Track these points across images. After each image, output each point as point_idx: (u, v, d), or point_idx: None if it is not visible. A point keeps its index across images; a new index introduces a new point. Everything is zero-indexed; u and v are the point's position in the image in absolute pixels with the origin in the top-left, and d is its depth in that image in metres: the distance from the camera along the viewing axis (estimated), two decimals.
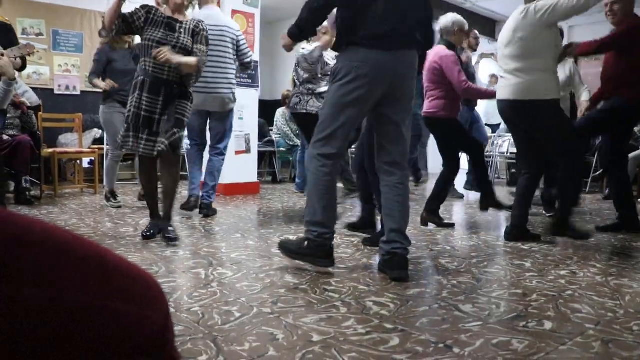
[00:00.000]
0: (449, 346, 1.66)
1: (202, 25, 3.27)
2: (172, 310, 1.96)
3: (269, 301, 2.10)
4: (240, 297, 2.15)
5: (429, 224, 3.97)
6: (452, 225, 4.01)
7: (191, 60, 3.12)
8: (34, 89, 6.84)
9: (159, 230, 3.25)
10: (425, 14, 2.64)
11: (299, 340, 1.70)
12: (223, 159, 4.37)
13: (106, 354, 0.48)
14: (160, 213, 3.33)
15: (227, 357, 1.56)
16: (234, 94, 4.23)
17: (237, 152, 5.54)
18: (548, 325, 1.87)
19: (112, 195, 4.71)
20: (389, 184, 2.58)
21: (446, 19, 4.00)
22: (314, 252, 2.53)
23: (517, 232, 3.39)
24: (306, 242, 2.55)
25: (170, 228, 3.22)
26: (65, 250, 0.49)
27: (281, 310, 1.99)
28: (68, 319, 0.46)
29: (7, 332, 0.44)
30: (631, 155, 5.94)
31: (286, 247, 2.63)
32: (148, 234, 3.27)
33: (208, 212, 4.20)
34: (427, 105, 3.97)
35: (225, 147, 4.38)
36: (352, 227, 3.61)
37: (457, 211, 4.92)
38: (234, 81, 4.28)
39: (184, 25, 3.21)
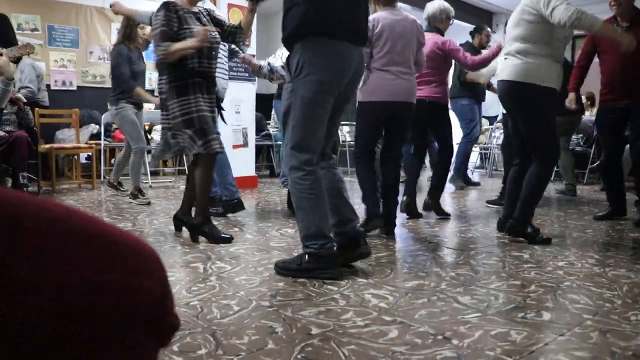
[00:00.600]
0: (447, 338, 1.67)
1: (213, 13, 3.26)
2: None
3: (267, 294, 2.10)
4: (238, 290, 2.16)
5: (430, 212, 4.11)
6: (448, 216, 4.07)
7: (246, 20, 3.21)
8: None
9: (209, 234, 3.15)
10: (368, 10, 2.56)
11: (297, 333, 1.70)
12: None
13: (107, 326, 0.49)
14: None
15: (226, 350, 1.56)
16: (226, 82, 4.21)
17: (235, 146, 5.53)
18: (546, 316, 1.87)
19: (139, 191, 4.64)
20: (324, 167, 2.51)
21: (433, 7, 4.03)
22: (318, 265, 2.32)
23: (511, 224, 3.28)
24: (307, 257, 2.34)
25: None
26: (60, 226, 0.50)
27: (280, 304, 1.99)
28: (67, 295, 0.47)
29: (6, 312, 0.44)
30: (628, 147, 5.96)
31: (285, 267, 2.40)
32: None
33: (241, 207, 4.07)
34: (430, 90, 3.95)
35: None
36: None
37: (453, 203, 4.92)
38: (226, 70, 4.25)
39: (203, 17, 3.15)
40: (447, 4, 4.06)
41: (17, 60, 4.57)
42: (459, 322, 1.80)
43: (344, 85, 2.40)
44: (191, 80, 2.99)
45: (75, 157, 6.14)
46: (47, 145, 5.50)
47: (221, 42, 3.29)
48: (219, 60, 4.01)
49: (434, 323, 1.80)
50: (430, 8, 4.05)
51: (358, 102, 3.41)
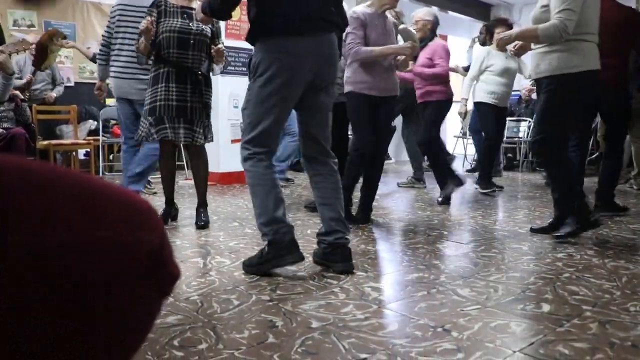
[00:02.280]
0: (447, 330, 1.67)
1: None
2: (171, 299, 1.97)
3: (267, 289, 2.11)
4: (238, 285, 2.16)
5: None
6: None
7: (222, 48, 3.24)
8: None
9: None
10: None
11: (298, 326, 1.70)
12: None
13: (106, 283, 0.50)
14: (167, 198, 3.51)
15: (227, 344, 1.56)
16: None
17: (233, 141, 5.52)
18: (546, 307, 1.88)
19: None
20: (323, 173, 2.46)
21: (422, 13, 4.49)
22: (277, 252, 2.29)
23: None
24: (266, 247, 2.32)
25: (203, 214, 3.40)
26: (51, 188, 0.49)
27: (280, 298, 1.99)
28: (63, 256, 0.47)
29: (4, 277, 0.44)
30: (628, 137, 5.96)
31: (249, 264, 2.37)
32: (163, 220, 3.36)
33: None
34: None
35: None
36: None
37: (453, 196, 4.92)
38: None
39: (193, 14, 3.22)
40: (430, 10, 4.64)
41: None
42: (458, 315, 1.81)
43: (306, 79, 2.33)
44: (164, 69, 3.15)
45: (74, 153, 6.14)
46: (46, 142, 5.49)
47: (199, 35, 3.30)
48: None
49: (434, 315, 1.80)
50: (419, 14, 4.49)
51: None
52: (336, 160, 2.51)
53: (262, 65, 2.28)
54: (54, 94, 5.98)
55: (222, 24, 3.96)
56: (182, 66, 3.15)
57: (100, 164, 6.16)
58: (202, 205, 3.44)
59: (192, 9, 3.20)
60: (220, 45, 3.22)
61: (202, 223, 3.34)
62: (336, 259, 2.36)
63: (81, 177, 0.53)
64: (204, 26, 3.18)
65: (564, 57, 2.81)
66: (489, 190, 4.90)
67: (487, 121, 5.01)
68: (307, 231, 3.21)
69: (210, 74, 3.39)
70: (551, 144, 2.87)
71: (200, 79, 3.21)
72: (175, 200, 3.57)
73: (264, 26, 2.29)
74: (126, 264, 0.51)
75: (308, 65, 2.30)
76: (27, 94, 5.42)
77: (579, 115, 3.03)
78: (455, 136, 8.16)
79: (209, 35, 3.24)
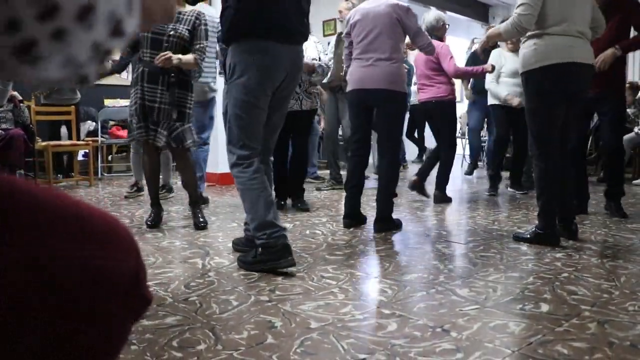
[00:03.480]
0: (446, 330, 1.67)
1: (202, 19, 3.28)
2: (169, 300, 1.97)
3: (266, 289, 2.10)
4: (237, 285, 2.16)
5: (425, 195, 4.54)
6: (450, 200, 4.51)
7: (189, 58, 3.17)
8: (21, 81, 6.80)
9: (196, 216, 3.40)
10: (308, 6, 2.54)
11: (297, 327, 1.70)
12: (207, 149, 4.41)
13: (82, 302, 0.52)
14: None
15: (226, 345, 1.56)
16: (213, 82, 4.24)
17: None
18: (544, 307, 1.88)
19: (139, 188, 4.68)
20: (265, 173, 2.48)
21: (429, 18, 4.48)
22: (270, 256, 2.30)
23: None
24: (259, 249, 2.34)
25: (199, 214, 3.38)
26: (33, 206, 0.52)
27: (279, 298, 1.99)
28: (41, 271, 0.49)
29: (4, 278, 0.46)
30: (626, 137, 5.96)
31: (244, 260, 2.41)
32: (152, 222, 3.37)
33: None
34: (435, 91, 4.39)
35: (208, 137, 4.38)
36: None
37: (452, 194, 4.93)
38: (214, 69, 4.26)
39: (182, 16, 3.23)
40: (441, 13, 4.55)
41: None
42: (457, 315, 1.81)
43: (277, 83, 2.40)
44: (139, 70, 3.19)
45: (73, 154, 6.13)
46: (44, 143, 5.48)
47: (208, 42, 3.35)
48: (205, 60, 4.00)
49: (433, 316, 1.80)
50: (427, 19, 4.47)
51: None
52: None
53: (240, 66, 2.33)
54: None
55: None
56: (154, 66, 3.13)
57: (99, 165, 6.15)
58: (194, 205, 3.41)
59: (177, 13, 3.20)
60: (170, 54, 3.06)
61: (201, 225, 3.32)
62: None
63: (66, 198, 0.56)
64: (180, 27, 3.17)
65: (526, 54, 2.84)
66: (521, 191, 4.98)
67: (498, 123, 5.10)
68: (306, 232, 3.21)
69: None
70: (538, 142, 2.86)
71: (173, 80, 3.17)
72: (173, 200, 3.57)
73: (243, 28, 2.31)
74: (103, 284, 0.53)
75: (282, 69, 2.36)
76: (41, 94, 5.28)
77: (556, 110, 2.85)
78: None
79: (186, 36, 3.20)
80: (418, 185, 4.54)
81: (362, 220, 3.45)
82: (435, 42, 4.35)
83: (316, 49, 4.47)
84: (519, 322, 1.73)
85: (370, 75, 3.23)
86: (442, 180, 4.48)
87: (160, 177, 5.05)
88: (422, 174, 4.57)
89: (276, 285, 2.16)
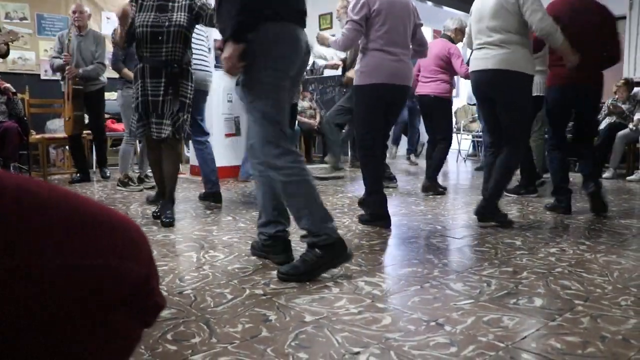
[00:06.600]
0: (440, 324, 1.68)
1: (197, 0, 3.23)
2: (164, 293, 1.96)
3: (261, 283, 2.11)
4: (232, 279, 2.16)
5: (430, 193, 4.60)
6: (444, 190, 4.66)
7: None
8: (19, 74, 6.76)
9: (159, 211, 3.33)
10: None
11: (291, 320, 1.71)
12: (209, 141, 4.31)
13: (90, 309, 0.50)
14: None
15: (220, 338, 1.56)
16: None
17: (227, 135, 5.51)
18: (538, 302, 1.89)
19: (129, 179, 4.68)
20: None
21: (451, 20, 4.91)
22: (335, 252, 2.14)
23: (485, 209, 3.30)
24: (317, 250, 2.13)
25: (168, 212, 3.27)
26: (46, 211, 0.50)
27: (273, 292, 2.00)
28: (51, 281, 0.47)
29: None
30: (619, 133, 5.99)
31: (294, 273, 2.13)
32: (168, 220, 3.23)
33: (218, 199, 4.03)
34: (435, 87, 4.67)
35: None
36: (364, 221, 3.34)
37: (448, 191, 4.94)
38: (206, 60, 4.21)
39: (176, 3, 3.18)
40: (465, 21, 4.56)
41: (6, 52, 4.55)
42: (451, 309, 1.81)
43: (297, 70, 2.27)
44: (140, 66, 3.20)
45: (67, 147, 6.10)
46: (38, 136, 5.45)
47: (195, 33, 3.35)
48: (198, 51, 3.96)
49: (427, 310, 1.81)
50: (448, 20, 4.92)
51: (355, 86, 3.22)
52: None
53: (277, 49, 2.12)
54: (79, 70, 5.16)
55: None
56: (156, 61, 3.12)
57: (94, 158, 6.13)
58: (168, 201, 3.31)
59: (168, 1, 3.16)
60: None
61: (167, 220, 3.20)
62: (277, 251, 2.33)
63: (76, 200, 0.53)
64: (176, 16, 3.14)
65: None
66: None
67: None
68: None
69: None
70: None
71: (176, 71, 3.15)
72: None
73: (268, 12, 2.09)
74: (112, 292, 0.52)
75: (301, 54, 2.24)
76: (67, 75, 5.10)
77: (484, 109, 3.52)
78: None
79: (185, 24, 3.15)
80: (432, 187, 4.63)
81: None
82: (447, 43, 4.80)
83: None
84: (512, 317, 1.74)
85: (404, 72, 3.17)
86: (434, 171, 4.63)
87: (137, 167, 5.07)
88: (432, 175, 4.64)
89: (271, 279, 2.16)
